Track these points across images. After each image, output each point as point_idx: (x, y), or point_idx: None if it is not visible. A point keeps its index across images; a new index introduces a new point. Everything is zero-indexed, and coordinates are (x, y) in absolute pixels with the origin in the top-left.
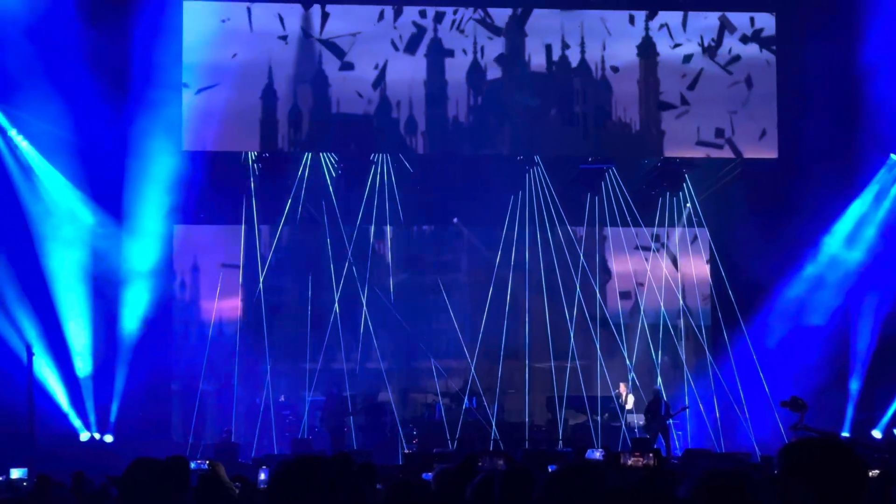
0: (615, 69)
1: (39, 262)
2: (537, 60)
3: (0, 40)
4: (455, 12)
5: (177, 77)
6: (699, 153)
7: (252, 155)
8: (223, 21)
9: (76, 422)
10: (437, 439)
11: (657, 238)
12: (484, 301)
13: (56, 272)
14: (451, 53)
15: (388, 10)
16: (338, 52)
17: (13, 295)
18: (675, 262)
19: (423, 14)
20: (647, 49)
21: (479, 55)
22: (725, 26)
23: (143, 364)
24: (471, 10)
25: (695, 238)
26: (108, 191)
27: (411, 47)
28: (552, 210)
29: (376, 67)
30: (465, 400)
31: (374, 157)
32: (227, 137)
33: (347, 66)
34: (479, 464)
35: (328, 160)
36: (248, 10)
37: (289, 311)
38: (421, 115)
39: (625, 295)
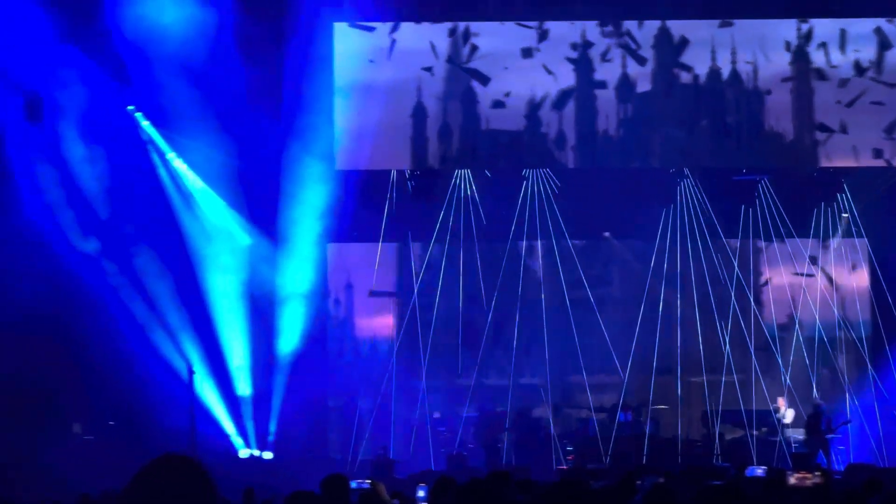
0: (767, 80)
1: (199, 283)
2: (688, 72)
3: (161, 69)
4: (603, 32)
5: (328, 100)
6: (856, 163)
7: (400, 173)
8: (371, 42)
9: (236, 439)
10: (592, 455)
11: (813, 249)
12: (636, 315)
13: (215, 294)
14: (599, 67)
15: (536, 27)
16: (482, 78)
17: (175, 316)
18: (831, 273)
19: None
20: (799, 58)
21: (627, 68)
22: (882, 38)
23: (301, 382)
24: (615, 37)
25: (852, 248)
26: (264, 213)
27: (560, 62)
28: (704, 222)
29: (524, 83)
30: (619, 414)
31: (525, 172)
32: (378, 156)
33: (495, 84)
34: (639, 482)
35: (478, 176)
36: (395, 28)
37: (442, 328)
38: (571, 130)
39: (780, 307)
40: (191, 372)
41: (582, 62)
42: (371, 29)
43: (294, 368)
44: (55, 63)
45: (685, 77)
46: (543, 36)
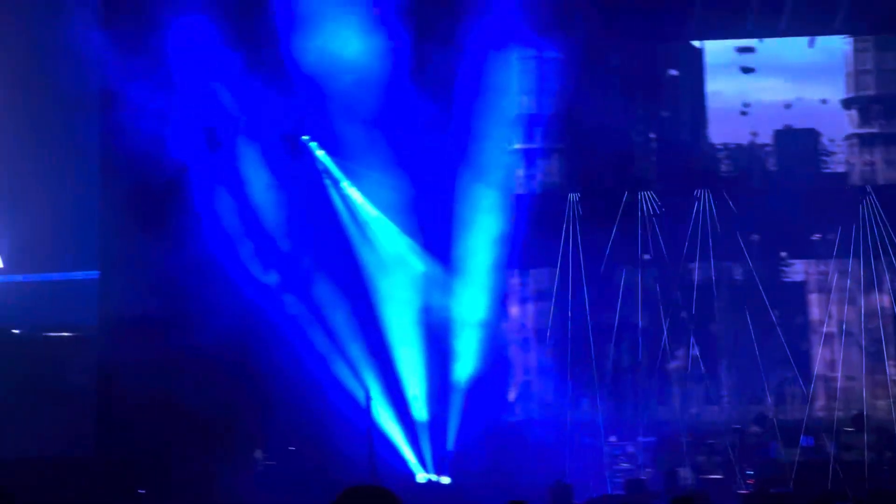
0: None
1: (375, 311)
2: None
3: (336, 98)
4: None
5: (500, 128)
6: None
7: (574, 197)
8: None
9: (414, 464)
10: (774, 479)
11: None
12: (816, 338)
13: (391, 321)
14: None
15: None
16: None
17: (352, 344)
18: None
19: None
20: None
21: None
22: None
23: (477, 407)
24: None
25: None
26: (438, 240)
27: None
28: (887, 240)
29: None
30: (802, 438)
31: (697, 193)
32: (550, 179)
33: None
34: None
35: (650, 197)
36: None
37: (619, 350)
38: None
39: None
40: (368, 398)
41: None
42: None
43: (470, 393)
44: (235, 94)
45: None
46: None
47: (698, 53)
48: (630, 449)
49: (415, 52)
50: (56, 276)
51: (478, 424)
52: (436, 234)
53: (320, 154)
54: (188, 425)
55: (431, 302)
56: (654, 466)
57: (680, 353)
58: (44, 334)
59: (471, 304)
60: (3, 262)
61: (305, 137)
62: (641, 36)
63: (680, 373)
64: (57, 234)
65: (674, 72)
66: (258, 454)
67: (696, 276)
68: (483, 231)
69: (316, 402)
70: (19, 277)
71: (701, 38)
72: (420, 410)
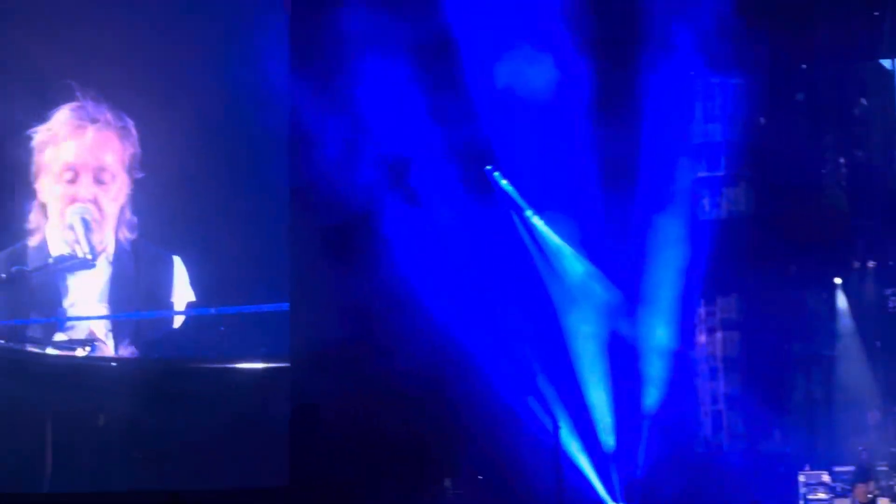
0: None
1: (561, 339)
2: None
3: (517, 127)
4: None
5: (685, 155)
6: None
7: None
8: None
9: (603, 492)
10: None
11: None
12: None
13: (578, 349)
14: None
15: None
16: None
17: (539, 371)
18: None
19: None
20: None
21: None
22: None
23: (666, 434)
24: None
25: None
26: (623, 268)
27: None
28: None
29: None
30: None
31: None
32: (736, 207)
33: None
34: None
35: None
36: None
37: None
38: None
39: None
40: (556, 427)
41: None
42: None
43: (659, 422)
44: (421, 128)
45: None
46: None
47: (889, 76)
48: (826, 478)
49: (599, 82)
50: (247, 308)
51: (667, 453)
52: (621, 262)
53: (504, 184)
54: (380, 454)
55: (618, 330)
56: (852, 496)
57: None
58: (236, 366)
59: (658, 333)
60: (196, 295)
61: (488, 167)
62: (830, 56)
63: (875, 402)
64: (247, 266)
65: (864, 100)
66: (447, 483)
67: (890, 304)
68: (669, 259)
69: (504, 431)
70: (212, 310)
71: (893, 57)
72: (608, 439)
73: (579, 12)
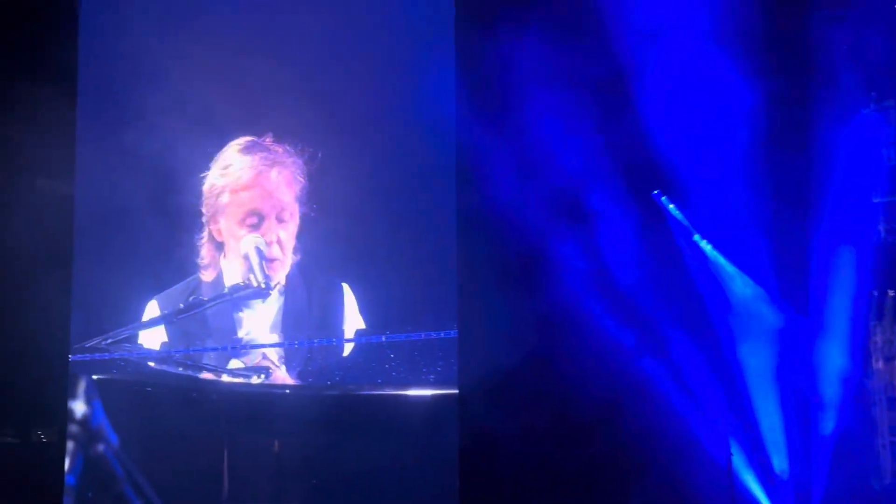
0: None
1: (732, 366)
2: None
3: (684, 150)
4: None
5: (862, 179)
6: None
7: None
8: None
9: None
10: None
11: None
12: None
13: (749, 376)
14: None
15: None
16: None
17: (710, 400)
18: None
19: None
20: None
21: None
22: None
23: (843, 468)
24: None
25: None
26: (795, 292)
27: None
28: None
29: None
30: None
31: None
32: None
33: None
34: None
35: None
36: None
37: None
38: None
39: None
40: (729, 455)
41: None
42: None
43: (835, 453)
44: (587, 153)
45: None
46: None
47: None
48: None
49: (770, 110)
50: (416, 335)
51: (842, 485)
52: (794, 287)
53: (671, 208)
54: (552, 483)
55: (791, 357)
56: None
57: None
58: (405, 393)
59: (832, 360)
60: (365, 322)
61: (655, 191)
62: None
63: None
64: (415, 293)
65: None
66: None
67: None
68: (844, 285)
69: (676, 460)
70: (381, 338)
71: None
72: (782, 466)
73: (750, 40)
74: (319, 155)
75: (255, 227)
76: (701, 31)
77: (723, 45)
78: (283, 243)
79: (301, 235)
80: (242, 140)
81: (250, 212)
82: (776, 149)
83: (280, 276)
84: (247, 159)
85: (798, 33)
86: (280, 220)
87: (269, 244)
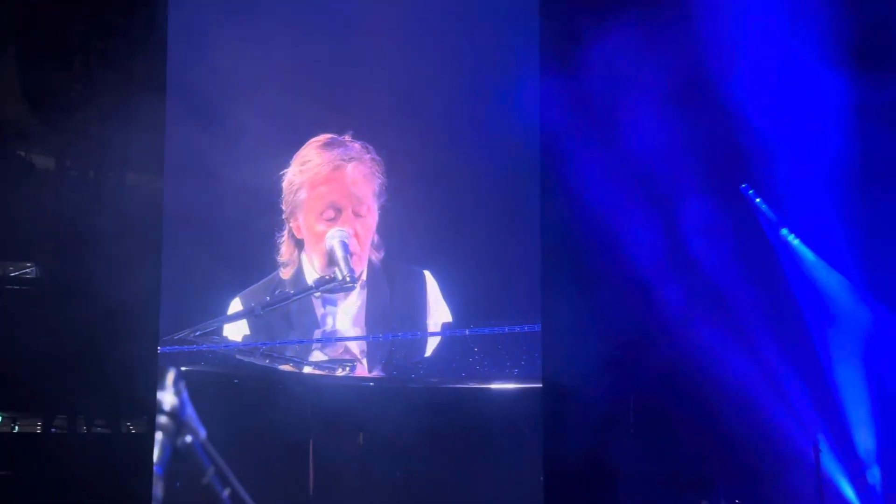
0: None
1: (819, 360)
2: None
3: (770, 143)
4: None
5: None
6: None
7: None
8: None
9: None
10: None
11: None
12: None
13: (837, 372)
14: None
15: None
16: None
17: (798, 394)
18: None
19: None
20: None
21: None
22: None
23: None
24: None
25: None
26: (887, 284)
27: None
28: None
29: None
30: None
31: None
32: None
33: None
34: None
35: None
36: None
37: None
38: None
39: None
40: (817, 450)
41: None
42: None
43: None
44: (672, 149)
45: None
46: None
47: None
48: None
49: (856, 98)
50: (499, 328)
51: None
52: (884, 283)
53: (758, 201)
54: (635, 478)
55: (880, 350)
56: None
57: None
58: (490, 387)
59: None
60: (452, 316)
61: (743, 185)
62: None
63: None
64: (499, 287)
65: None
66: None
67: None
68: None
69: (762, 452)
70: (465, 331)
71: None
72: (871, 462)
73: (836, 26)
74: (398, 151)
75: (333, 221)
76: (786, 26)
77: (815, 39)
78: (360, 237)
79: (383, 230)
80: (322, 137)
81: (328, 205)
82: (868, 144)
83: (359, 269)
84: (325, 155)
85: (884, 23)
86: (357, 215)
87: (343, 227)
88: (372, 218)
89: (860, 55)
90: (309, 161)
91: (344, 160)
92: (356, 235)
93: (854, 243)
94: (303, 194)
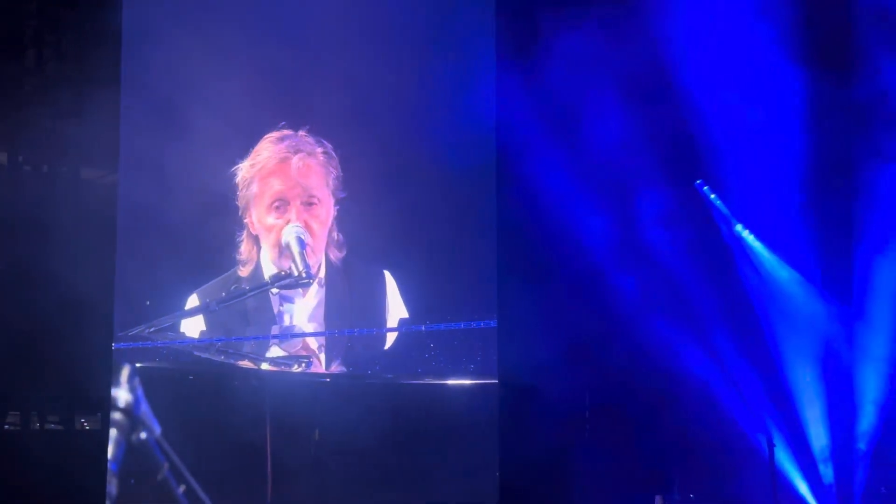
0: None
1: (772, 353)
2: None
3: (725, 137)
4: None
5: None
6: None
7: None
8: None
9: None
10: None
11: None
12: None
13: (789, 365)
14: None
15: None
16: None
17: (750, 388)
18: None
19: None
20: None
21: None
22: None
23: (883, 472)
24: None
25: None
26: (837, 280)
27: None
28: None
29: None
30: None
31: None
32: None
33: None
34: None
35: None
36: None
37: None
38: None
39: None
40: (771, 444)
41: None
42: None
43: (874, 454)
44: (626, 141)
45: None
46: None
47: None
48: None
49: (811, 94)
50: (455, 325)
51: (885, 488)
52: (836, 276)
53: (713, 198)
54: (590, 472)
55: (831, 345)
56: None
57: None
58: (446, 382)
59: (875, 349)
60: (410, 313)
61: (698, 181)
62: None
63: None
64: (455, 283)
65: None
66: (658, 501)
67: None
68: (887, 272)
69: (717, 451)
70: (421, 328)
71: None
72: (824, 461)
73: (792, 24)
74: (355, 150)
75: (280, 212)
76: (745, 22)
77: (768, 37)
78: (313, 230)
79: (342, 226)
80: (276, 133)
81: (275, 197)
82: (820, 137)
83: (314, 259)
84: (274, 148)
85: (842, 23)
86: (307, 206)
87: (297, 223)
88: (325, 211)
89: (817, 52)
90: (260, 154)
91: (290, 152)
92: (308, 227)
93: (808, 239)
94: (254, 188)
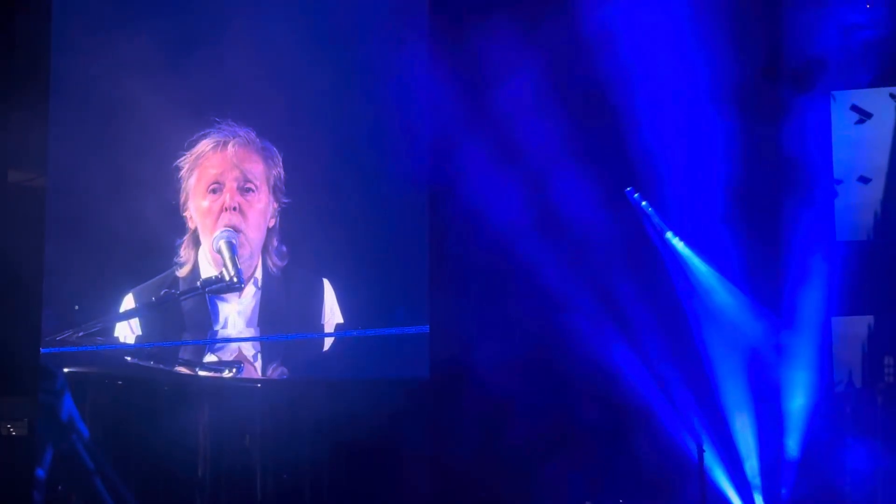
0: None
1: (703, 361)
2: None
3: (656, 146)
4: None
5: (827, 171)
6: None
7: None
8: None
9: None
10: None
11: None
12: None
13: (719, 373)
14: None
15: None
16: None
17: (680, 394)
18: None
19: None
20: None
21: None
22: None
23: (811, 483)
24: None
25: None
26: (767, 290)
27: None
28: None
29: None
30: None
31: None
32: (883, 226)
33: None
34: None
35: None
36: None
37: None
38: None
39: None
40: (700, 449)
41: None
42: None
43: (801, 460)
44: (557, 147)
45: None
46: None
47: None
48: None
49: (742, 101)
50: (389, 330)
51: (807, 491)
52: (765, 284)
53: (644, 204)
54: (517, 476)
55: (760, 353)
56: None
57: None
58: (378, 385)
59: (802, 357)
60: (345, 318)
61: (628, 188)
62: None
63: None
64: (389, 290)
65: None
66: None
67: None
68: (815, 279)
69: (647, 457)
70: (355, 332)
71: None
72: (753, 475)
73: (724, 40)
74: (288, 148)
75: (216, 194)
76: (675, 31)
77: (697, 44)
78: (247, 217)
79: (278, 234)
80: (211, 130)
81: (212, 179)
82: (749, 147)
83: (248, 263)
84: (213, 136)
85: (770, 31)
86: (243, 191)
87: (231, 220)
88: (262, 202)
89: (748, 48)
90: (197, 147)
91: (229, 136)
92: (243, 214)
93: (737, 248)
94: (193, 179)
